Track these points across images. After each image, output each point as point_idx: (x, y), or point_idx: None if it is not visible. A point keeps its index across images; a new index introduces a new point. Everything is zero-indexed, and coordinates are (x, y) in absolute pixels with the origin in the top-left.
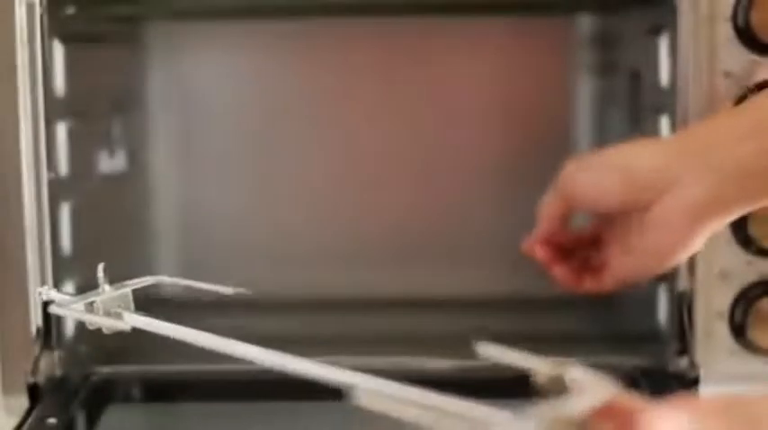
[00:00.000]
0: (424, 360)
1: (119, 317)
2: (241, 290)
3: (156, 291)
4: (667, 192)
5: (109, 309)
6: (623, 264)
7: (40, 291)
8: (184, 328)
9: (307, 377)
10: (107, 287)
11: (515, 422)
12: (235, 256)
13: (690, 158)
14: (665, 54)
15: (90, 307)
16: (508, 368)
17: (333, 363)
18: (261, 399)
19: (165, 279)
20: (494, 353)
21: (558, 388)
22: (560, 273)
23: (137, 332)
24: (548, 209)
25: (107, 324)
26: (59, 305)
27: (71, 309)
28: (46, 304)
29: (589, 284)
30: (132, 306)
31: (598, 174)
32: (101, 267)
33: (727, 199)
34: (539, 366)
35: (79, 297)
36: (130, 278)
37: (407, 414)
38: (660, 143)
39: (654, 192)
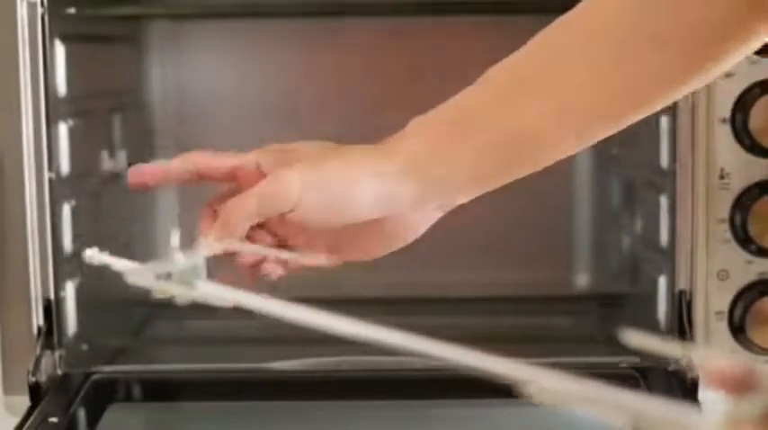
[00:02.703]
0: (422, 359)
1: (191, 286)
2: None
3: None
4: (401, 209)
5: (183, 278)
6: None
7: (90, 254)
8: (262, 298)
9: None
10: (180, 256)
11: (702, 418)
12: None
13: (411, 180)
14: None
15: (161, 276)
16: None
17: (334, 362)
18: (261, 399)
19: (237, 244)
20: (639, 342)
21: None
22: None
23: (138, 332)
24: (240, 226)
25: (180, 293)
26: (133, 273)
27: (145, 277)
28: (47, 304)
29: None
30: (204, 275)
31: (337, 200)
32: (175, 237)
33: (469, 189)
34: (685, 354)
35: (149, 265)
36: None
37: (590, 409)
38: (390, 168)
39: (387, 213)
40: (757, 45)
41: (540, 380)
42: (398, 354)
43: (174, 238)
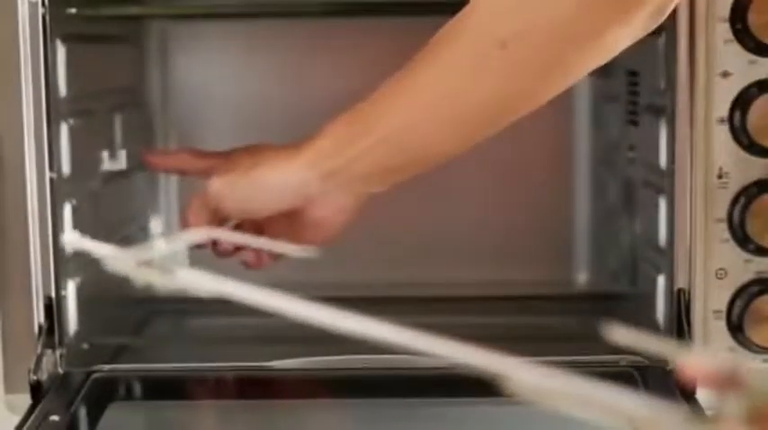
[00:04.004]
0: (421, 358)
1: (171, 273)
2: (310, 252)
3: None
4: (315, 201)
5: (163, 265)
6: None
7: (69, 239)
8: (245, 287)
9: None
10: (161, 242)
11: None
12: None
13: (322, 177)
14: (662, 54)
15: (141, 263)
16: None
17: (334, 362)
18: (262, 397)
19: (219, 232)
20: (626, 339)
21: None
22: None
23: (139, 331)
24: (197, 220)
25: (160, 280)
26: (114, 259)
27: (124, 264)
28: (48, 303)
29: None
30: (186, 262)
31: (248, 194)
32: (156, 222)
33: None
34: (672, 352)
35: (129, 252)
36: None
37: (567, 406)
38: (297, 162)
39: (301, 202)
40: (613, 53)
41: (526, 376)
42: (397, 353)
43: (156, 225)
